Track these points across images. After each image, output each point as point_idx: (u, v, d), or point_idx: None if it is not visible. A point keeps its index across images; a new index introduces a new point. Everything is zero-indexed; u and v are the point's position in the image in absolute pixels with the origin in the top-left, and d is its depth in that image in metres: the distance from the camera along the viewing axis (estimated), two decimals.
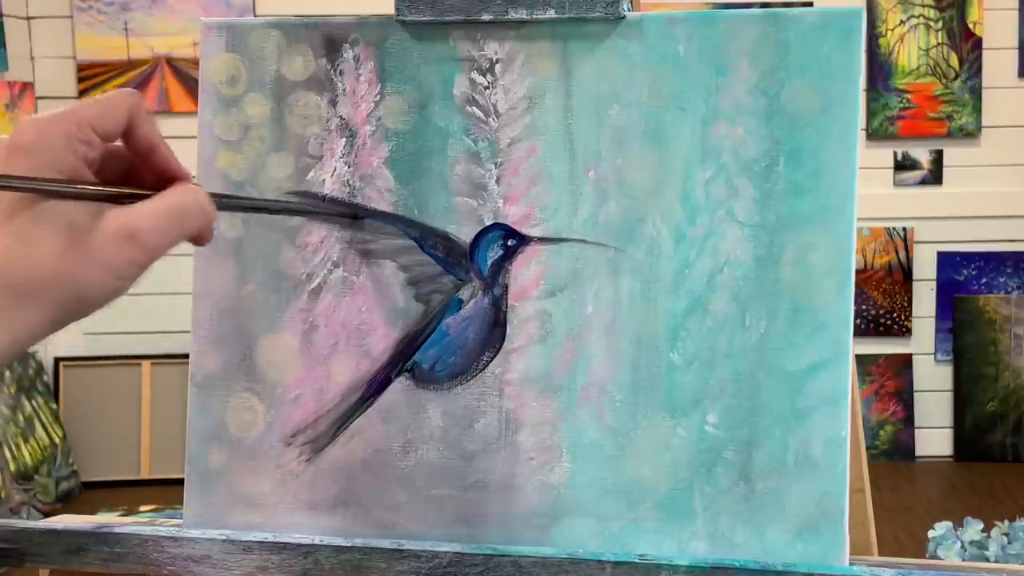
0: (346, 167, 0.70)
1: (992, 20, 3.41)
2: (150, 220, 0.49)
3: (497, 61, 0.68)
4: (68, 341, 3.36)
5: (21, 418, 3.14)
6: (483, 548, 0.65)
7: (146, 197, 0.50)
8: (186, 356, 0.72)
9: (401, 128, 0.69)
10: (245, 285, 0.71)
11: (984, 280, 3.46)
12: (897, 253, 3.46)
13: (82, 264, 0.48)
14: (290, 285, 0.70)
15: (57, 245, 0.47)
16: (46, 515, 2.78)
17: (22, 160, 0.47)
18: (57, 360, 3.38)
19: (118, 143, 0.52)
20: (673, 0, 3.38)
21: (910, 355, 3.49)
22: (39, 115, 0.49)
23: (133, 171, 0.53)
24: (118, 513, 2.96)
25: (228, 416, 0.71)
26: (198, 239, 0.54)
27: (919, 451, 3.50)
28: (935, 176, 3.45)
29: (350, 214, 0.69)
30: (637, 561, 0.63)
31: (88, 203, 0.49)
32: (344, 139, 0.70)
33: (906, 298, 3.47)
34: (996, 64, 3.42)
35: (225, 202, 0.56)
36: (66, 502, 3.17)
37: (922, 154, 3.44)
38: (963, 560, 1.86)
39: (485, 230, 0.68)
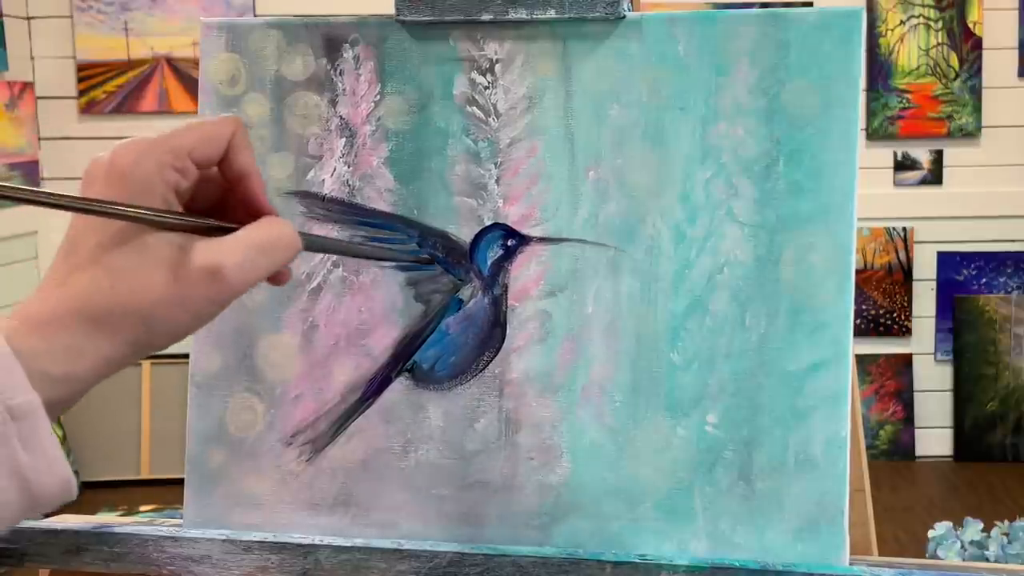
0: (346, 167, 0.70)
1: (992, 20, 3.41)
2: (236, 256, 0.48)
3: (497, 61, 0.68)
4: None
5: None
6: (483, 548, 0.65)
7: (234, 230, 0.49)
8: (186, 356, 0.72)
9: (401, 128, 0.69)
10: None
11: (984, 280, 3.46)
12: (897, 253, 3.46)
13: (161, 301, 0.47)
14: (290, 285, 0.70)
15: (141, 280, 0.46)
16: (46, 515, 2.78)
17: (115, 186, 0.47)
18: None
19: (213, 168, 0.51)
20: (673, 0, 3.38)
21: (910, 355, 3.49)
22: (137, 138, 0.48)
23: (223, 198, 0.52)
24: (118, 513, 2.96)
25: (228, 416, 0.71)
26: (278, 277, 0.52)
27: (919, 451, 3.50)
28: (935, 176, 3.44)
29: (426, 260, 0.68)
30: (637, 561, 0.63)
31: (176, 235, 0.47)
32: (344, 139, 0.70)
33: (906, 298, 3.47)
34: (996, 64, 3.42)
35: (310, 241, 0.54)
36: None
37: (922, 154, 3.44)
38: (963, 560, 1.86)
39: (485, 230, 0.68)
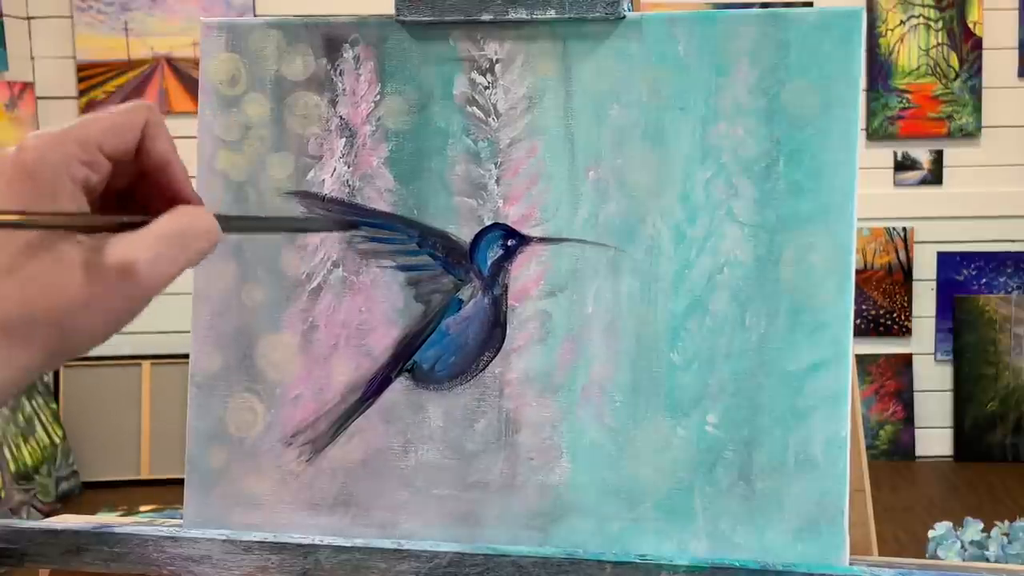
0: (346, 167, 0.70)
1: (992, 20, 3.41)
2: (148, 250, 0.45)
3: (497, 61, 0.68)
4: None
5: (21, 418, 3.14)
6: (483, 548, 0.65)
7: (147, 223, 0.46)
8: (186, 356, 0.72)
9: (401, 128, 0.69)
10: (245, 285, 0.71)
11: (984, 280, 3.46)
12: (897, 253, 3.46)
13: (74, 304, 0.44)
14: (290, 285, 0.70)
15: (50, 284, 0.44)
16: (46, 515, 2.78)
17: (22, 184, 0.44)
18: None
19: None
20: (673, 0, 3.38)
21: (910, 355, 3.49)
22: (44, 132, 0.45)
23: (142, 188, 0.49)
24: (118, 513, 2.96)
25: (228, 416, 0.71)
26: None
27: (919, 451, 3.50)
28: (935, 176, 3.45)
29: (348, 224, 0.68)
30: (637, 561, 0.63)
31: (86, 235, 0.45)
32: (344, 139, 0.70)
33: (906, 298, 3.47)
34: (996, 64, 3.42)
35: (231, 224, 0.51)
36: (66, 502, 3.17)
37: (922, 154, 3.44)
38: (963, 560, 1.86)
39: (485, 230, 0.68)
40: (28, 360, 0.44)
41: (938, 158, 3.44)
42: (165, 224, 0.46)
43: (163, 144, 0.48)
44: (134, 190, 0.49)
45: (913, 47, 3.42)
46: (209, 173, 0.71)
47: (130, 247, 0.45)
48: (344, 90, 0.70)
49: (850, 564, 0.63)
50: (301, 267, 0.70)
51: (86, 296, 0.44)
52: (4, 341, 0.44)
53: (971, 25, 3.40)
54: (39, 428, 3.19)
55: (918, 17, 3.41)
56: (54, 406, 3.30)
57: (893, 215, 3.43)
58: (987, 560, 1.84)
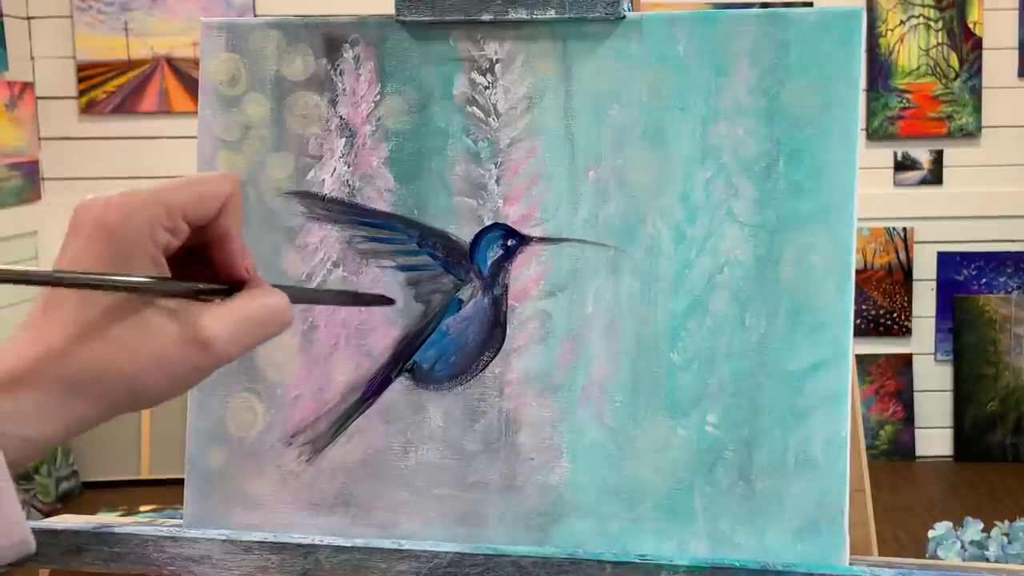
0: (346, 167, 0.70)
1: (992, 20, 3.41)
2: (228, 330, 0.46)
3: (497, 61, 0.68)
4: None
5: None
6: (483, 548, 0.65)
7: (223, 291, 0.47)
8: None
9: (401, 128, 0.69)
10: None
11: (984, 280, 3.46)
12: (897, 253, 3.46)
13: (145, 367, 0.45)
14: (290, 285, 0.70)
15: (123, 345, 0.45)
16: (46, 515, 2.78)
17: (102, 243, 0.44)
18: None
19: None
20: (673, 0, 3.38)
21: (910, 355, 3.49)
22: (131, 192, 0.46)
23: (198, 249, 0.49)
24: (118, 513, 2.96)
25: (228, 416, 0.71)
26: None
27: (919, 451, 3.50)
28: (935, 176, 3.44)
29: (385, 300, 0.67)
30: (637, 561, 0.63)
31: (163, 300, 0.46)
32: (344, 139, 0.70)
33: (906, 298, 3.47)
34: (996, 64, 3.42)
35: (296, 295, 0.52)
36: (66, 502, 3.17)
37: (922, 154, 3.44)
38: (963, 560, 1.86)
39: (485, 230, 0.68)
40: (89, 413, 0.45)
41: (938, 158, 3.44)
42: (246, 306, 0.48)
43: (235, 219, 0.49)
44: (191, 257, 0.49)
45: (913, 47, 3.42)
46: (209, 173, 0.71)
47: (213, 322, 0.46)
48: (344, 90, 0.70)
49: (850, 564, 0.63)
50: (301, 267, 0.70)
51: (160, 361, 0.45)
52: (71, 395, 0.44)
53: (971, 25, 3.40)
54: None
55: (918, 17, 3.41)
56: None
57: (893, 215, 3.43)
58: (987, 560, 1.84)
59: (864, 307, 3.45)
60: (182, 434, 0.71)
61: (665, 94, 0.66)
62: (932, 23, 3.41)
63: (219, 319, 0.46)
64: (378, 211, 0.70)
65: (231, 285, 0.48)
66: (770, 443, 0.64)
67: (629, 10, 0.67)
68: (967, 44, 3.41)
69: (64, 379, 0.44)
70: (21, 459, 0.44)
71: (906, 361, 3.49)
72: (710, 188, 0.65)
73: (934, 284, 3.48)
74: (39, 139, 3.34)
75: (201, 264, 0.49)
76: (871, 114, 3.42)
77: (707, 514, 0.65)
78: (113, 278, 0.44)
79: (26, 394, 0.44)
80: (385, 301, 0.67)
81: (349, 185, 0.70)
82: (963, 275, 3.46)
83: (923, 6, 3.40)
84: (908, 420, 3.49)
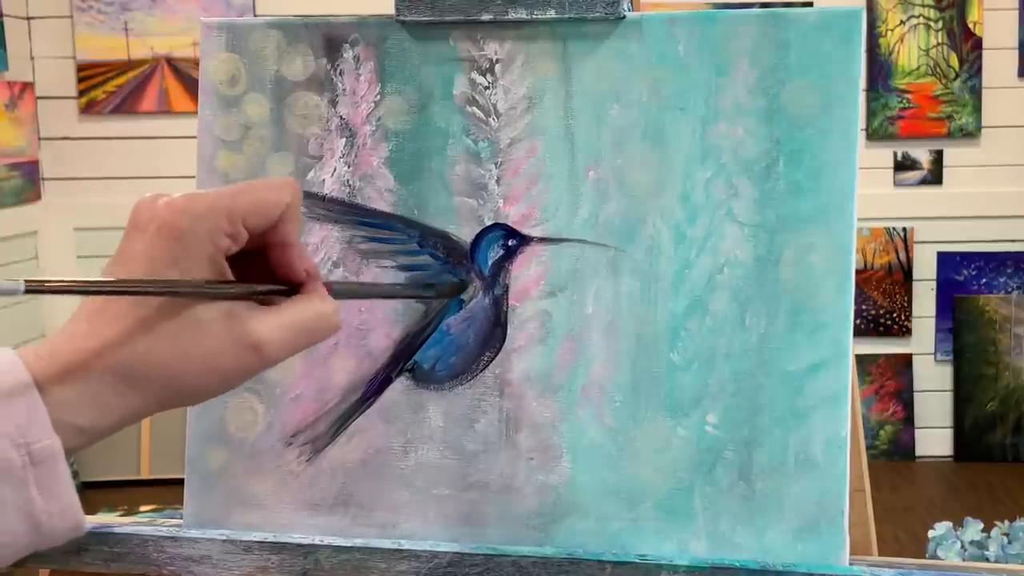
0: (346, 167, 0.70)
1: (992, 20, 3.41)
2: (279, 334, 0.48)
3: (497, 61, 0.68)
4: None
5: None
6: (483, 548, 0.65)
7: (278, 291, 0.48)
8: None
9: (401, 128, 0.69)
10: None
11: (984, 280, 3.46)
12: (897, 253, 3.46)
13: (196, 366, 0.47)
14: None
15: (178, 343, 0.46)
16: None
17: (166, 244, 0.46)
18: None
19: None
20: (673, 0, 3.38)
21: (910, 355, 3.49)
22: (195, 196, 0.47)
23: (254, 253, 0.50)
24: (118, 513, 2.96)
25: (228, 416, 0.71)
26: None
27: (919, 451, 3.50)
28: (935, 176, 3.45)
29: (446, 293, 0.68)
30: (637, 561, 0.63)
31: (220, 303, 0.47)
32: (344, 139, 0.70)
33: (906, 298, 3.47)
34: (996, 64, 3.42)
35: (345, 291, 0.54)
36: None
37: (922, 154, 3.44)
38: (963, 560, 1.86)
39: (485, 230, 0.68)
40: (139, 406, 0.47)
41: (938, 158, 3.44)
42: (298, 312, 0.49)
43: (293, 227, 0.50)
44: (249, 257, 0.51)
45: (913, 47, 3.42)
46: (209, 173, 0.71)
47: (264, 326, 0.47)
48: (344, 90, 0.70)
49: (850, 564, 0.63)
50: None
51: (209, 361, 0.47)
52: (122, 387, 0.46)
53: (971, 25, 3.40)
54: None
55: (918, 17, 3.41)
56: None
57: (893, 215, 3.43)
58: (987, 560, 1.84)
59: (864, 307, 3.45)
60: (182, 434, 0.71)
61: (665, 94, 0.66)
62: (932, 23, 3.41)
63: (270, 324, 0.48)
64: (378, 211, 0.70)
65: (288, 286, 0.50)
66: (770, 443, 0.64)
67: (629, 10, 0.67)
68: (967, 44, 3.41)
69: (118, 372, 0.46)
70: (73, 447, 0.46)
71: (906, 361, 3.49)
72: (710, 188, 0.65)
73: (934, 284, 3.48)
74: (39, 139, 3.34)
75: (257, 265, 0.50)
76: (871, 114, 3.42)
77: (707, 514, 0.65)
78: (174, 287, 0.46)
79: (82, 385, 0.46)
80: (459, 289, 0.68)
81: (349, 185, 0.70)
82: (963, 275, 3.46)
83: (923, 6, 3.40)
84: (908, 420, 3.49)
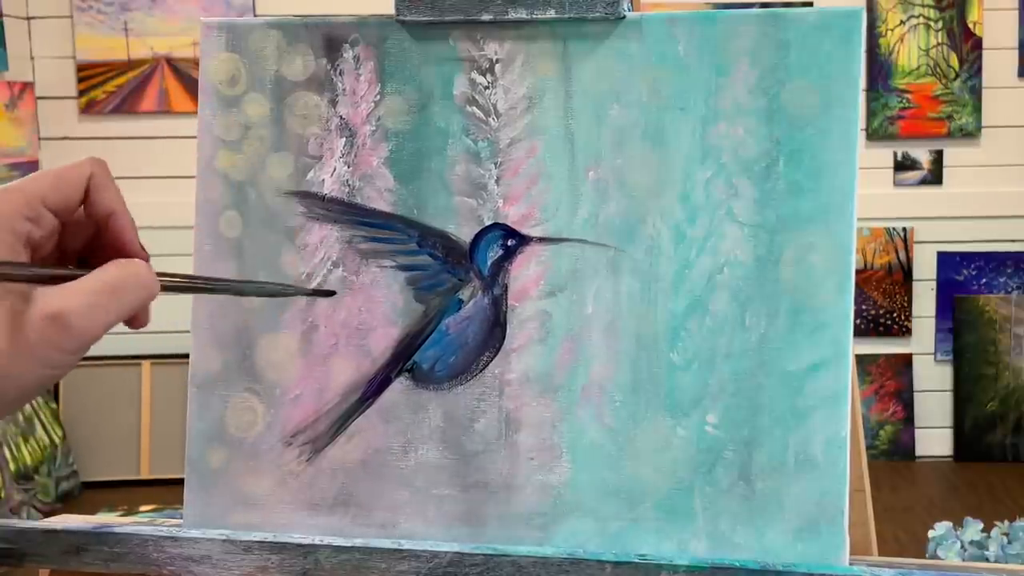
0: (346, 167, 0.70)
1: (992, 20, 3.41)
2: (79, 300, 0.45)
3: (497, 61, 0.68)
4: None
5: (21, 418, 3.14)
6: (483, 548, 0.65)
7: (77, 272, 0.47)
8: (186, 356, 0.72)
9: (401, 128, 0.69)
10: None
11: (984, 280, 3.46)
12: (897, 253, 3.46)
13: (5, 355, 0.44)
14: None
15: None
16: (46, 515, 2.78)
17: None
18: None
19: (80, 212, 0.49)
20: (673, 0, 3.38)
21: (910, 355, 3.49)
22: None
23: (97, 249, 0.49)
24: (118, 513, 2.96)
25: (228, 416, 0.71)
26: (133, 321, 0.49)
27: (919, 451, 3.50)
28: (935, 176, 3.45)
29: (291, 292, 0.68)
30: (637, 561, 0.63)
31: (16, 285, 0.45)
32: (344, 139, 0.70)
33: (906, 298, 3.47)
34: (996, 64, 3.42)
35: (171, 283, 0.52)
36: (66, 502, 3.17)
37: (922, 154, 3.44)
38: (963, 560, 1.86)
39: (485, 230, 0.68)
40: None
41: (938, 158, 3.44)
42: (99, 276, 0.46)
43: (110, 195, 0.49)
44: (92, 252, 0.49)
45: (913, 47, 3.42)
46: (209, 173, 0.71)
47: (60, 298, 0.45)
48: (344, 90, 0.70)
49: (850, 564, 0.63)
50: (301, 267, 0.70)
51: (14, 344, 0.44)
52: None
53: (971, 25, 3.40)
54: (39, 428, 3.19)
55: (918, 17, 3.41)
56: (54, 406, 3.30)
57: (893, 215, 3.43)
58: (987, 560, 1.84)
59: (864, 307, 3.45)
60: (182, 434, 0.71)
61: (665, 94, 0.66)
62: (932, 23, 3.41)
63: (70, 292, 0.46)
64: (378, 211, 0.70)
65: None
66: (770, 443, 0.64)
67: (629, 10, 0.67)
68: (967, 44, 3.41)
69: None
70: None
71: (906, 361, 3.49)
72: (710, 188, 0.65)
73: (934, 284, 3.48)
74: (39, 139, 3.34)
75: (97, 257, 0.49)
76: (871, 114, 3.42)
77: (707, 514, 0.65)
78: None
79: None
80: (324, 293, 0.68)
81: (349, 185, 0.70)
82: (963, 275, 3.46)
83: (923, 6, 3.40)
84: (908, 420, 3.49)
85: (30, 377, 0.45)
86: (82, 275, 0.46)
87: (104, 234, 0.49)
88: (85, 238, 0.50)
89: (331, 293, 0.69)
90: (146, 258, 0.49)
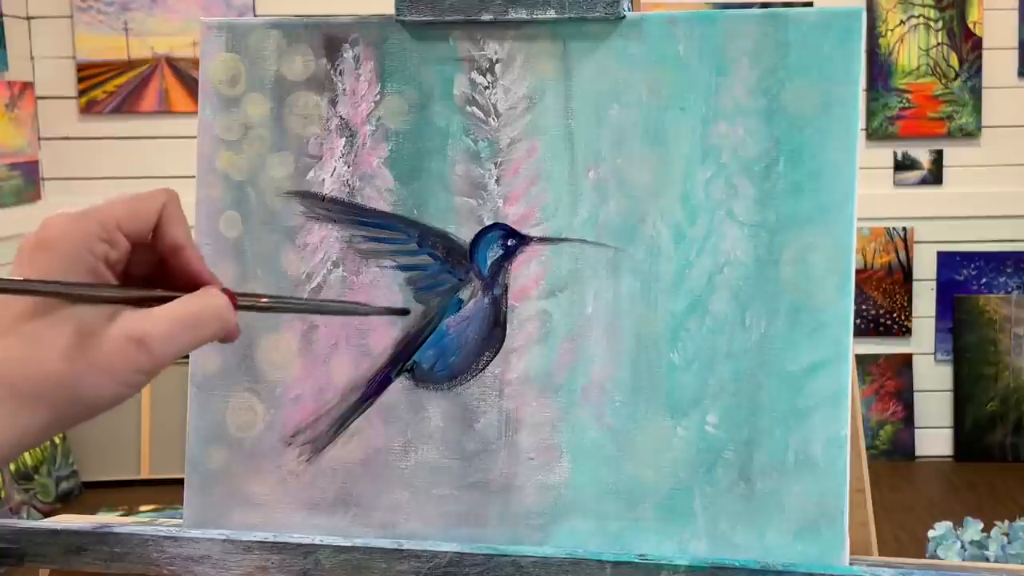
0: (346, 167, 0.70)
1: (992, 20, 3.41)
2: (162, 326, 0.48)
3: (497, 61, 0.68)
4: None
5: None
6: (483, 548, 0.65)
7: (167, 300, 0.49)
8: (186, 356, 0.72)
9: (401, 128, 0.69)
10: (245, 285, 0.71)
11: (984, 280, 3.46)
12: (897, 253, 3.46)
13: (84, 369, 0.46)
14: (290, 285, 0.70)
15: (62, 348, 0.46)
16: (46, 515, 2.78)
17: (42, 258, 0.47)
18: None
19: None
20: (673, 0, 3.38)
21: (910, 355, 3.49)
22: (67, 211, 0.48)
23: (163, 267, 0.51)
24: (118, 513, 2.96)
25: (228, 416, 0.71)
26: (221, 340, 0.52)
27: (919, 451, 3.50)
28: (935, 176, 3.44)
29: (365, 312, 0.68)
30: (637, 561, 0.63)
31: (102, 306, 0.47)
32: (344, 139, 0.70)
33: (906, 298, 3.47)
34: (996, 64, 3.42)
35: (252, 303, 0.55)
36: (66, 502, 3.17)
37: (922, 154, 3.44)
38: (963, 560, 1.86)
39: (485, 230, 0.68)
40: (31, 421, 0.46)
41: (938, 158, 3.44)
42: (182, 305, 0.49)
43: (179, 229, 0.51)
44: (158, 277, 0.51)
45: (913, 47, 3.42)
46: (209, 173, 0.71)
47: (146, 322, 0.47)
48: (344, 90, 0.70)
49: (850, 564, 0.63)
50: (301, 267, 0.70)
51: (96, 362, 0.46)
52: (15, 404, 0.46)
53: (971, 25, 3.40)
54: None
55: (918, 17, 3.41)
56: None
57: (893, 215, 3.43)
58: (987, 560, 1.84)
59: (864, 307, 3.45)
60: (182, 434, 0.71)
61: (665, 94, 0.66)
62: (932, 23, 3.41)
63: (154, 318, 0.48)
64: (378, 211, 0.70)
65: (175, 294, 0.50)
66: (770, 443, 0.64)
67: (629, 10, 0.67)
68: (967, 44, 3.41)
69: (9, 389, 0.45)
70: None
71: (906, 361, 3.49)
72: (710, 188, 0.65)
73: (934, 284, 3.48)
74: (39, 139, 3.34)
75: (166, 279, 0.51)
76: (871, 114, 3.42)
77: (707, 514, 0.65)
78: (50, 286, 0.46)
79: None
80: (399, 312, 0.68)
81: (349, 185, 0.70)
82: (963, 275, 3.46)
83: (923, 6, 3.40)
84: (908, 420, 3.49)
85: (104, 394, 0.47)
86: (169, 299, 0.49)
87: (171, 265, 0.51)
88: (149, 265, 0.51)
89: (405, 311, 0.68)
90: (220, 286, 0.51)
